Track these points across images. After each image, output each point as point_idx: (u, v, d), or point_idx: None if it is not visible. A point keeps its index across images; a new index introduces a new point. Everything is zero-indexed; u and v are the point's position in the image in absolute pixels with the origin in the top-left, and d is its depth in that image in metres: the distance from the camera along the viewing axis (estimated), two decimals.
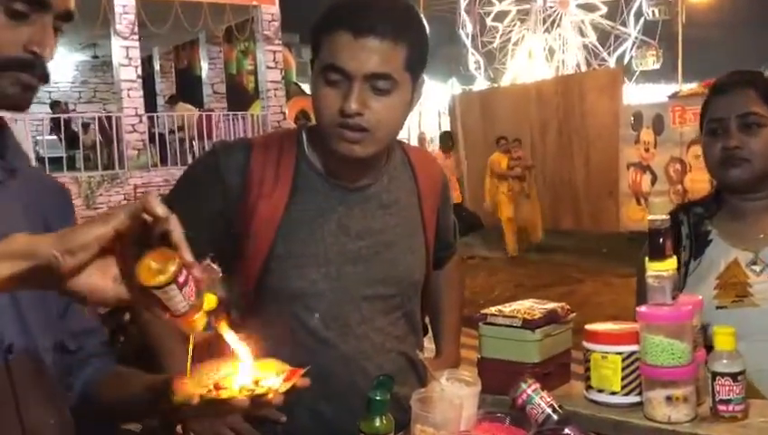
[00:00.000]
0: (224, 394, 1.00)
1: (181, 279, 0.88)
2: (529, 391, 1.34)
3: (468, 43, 32.20)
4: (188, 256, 0.88)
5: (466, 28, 32.03)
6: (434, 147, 18.06)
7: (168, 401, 1.04)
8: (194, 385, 1.02)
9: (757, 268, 1.71)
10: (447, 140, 12.12)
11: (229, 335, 1.02)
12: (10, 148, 1.11)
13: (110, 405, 1.21)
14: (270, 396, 1.01)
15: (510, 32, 32.62)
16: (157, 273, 0.86)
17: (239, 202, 1.52)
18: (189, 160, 13.44)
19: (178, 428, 2.86)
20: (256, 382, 1.02)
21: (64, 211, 1.20)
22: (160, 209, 0.87)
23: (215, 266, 1.79)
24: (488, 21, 32.40)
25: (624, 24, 31.90)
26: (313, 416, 1.52)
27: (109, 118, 13.79)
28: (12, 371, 1.03)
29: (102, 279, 0.88)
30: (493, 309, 1.60)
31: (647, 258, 1.39)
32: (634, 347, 1.38)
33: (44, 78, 1.07)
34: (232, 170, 1.53)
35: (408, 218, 1.64)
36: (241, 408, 1.01)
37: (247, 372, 1.03)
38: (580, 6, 32.38)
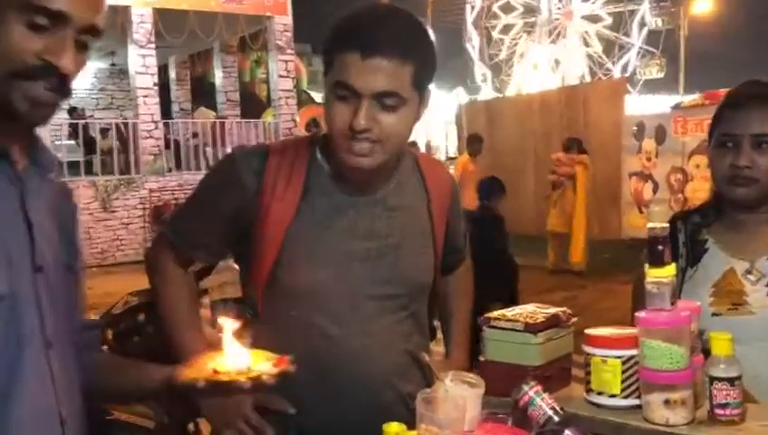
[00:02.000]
0: (224, 377, 1.12)
1: None
2: (531, 393, 1.34)
3: (475, 55, 32.20)
4: None
5: (473, 41, 32.04)
6: (439, 154, 18.03)
7: (173, 387, 1.17)
8: (195, 372, 1.15)
9: (753, 278, 1.68)
10: (475, 142, 10.49)
11: (227, 330, 1.16)
12: (41, 154, 1.14)
13: (102, 388, 1.28)
14: (264, 378, 1.12)
15: (516, 44, 32.61)
16: None
17: (255, 203, 1.55)
18: (203, 166, 13.48)
19: (190, 425, 2.87)
20: (249, 369, 1.14)
21: (73, 214, 1.27)
22: None
23: (235, 266, 1.81)
24: (494, 34, 32.40)
25: (627, 34, 31.81)
26: (320, 410, 1.52)
27: (125, 124, 13.83)
28: (50, 357, 1.09)
29: None
30: (496, 313, 1.60)
31: (646, 265, 1.39)
32: (633, 351, 1.38)
33: (63, 92, 1.04)
34: (249, 173, 1.56)
35: (416, 222, 1.64)
36: (241, 388, 1.12)
37: (241, 360, 1.15)
38: (585, 17, 32.34)
